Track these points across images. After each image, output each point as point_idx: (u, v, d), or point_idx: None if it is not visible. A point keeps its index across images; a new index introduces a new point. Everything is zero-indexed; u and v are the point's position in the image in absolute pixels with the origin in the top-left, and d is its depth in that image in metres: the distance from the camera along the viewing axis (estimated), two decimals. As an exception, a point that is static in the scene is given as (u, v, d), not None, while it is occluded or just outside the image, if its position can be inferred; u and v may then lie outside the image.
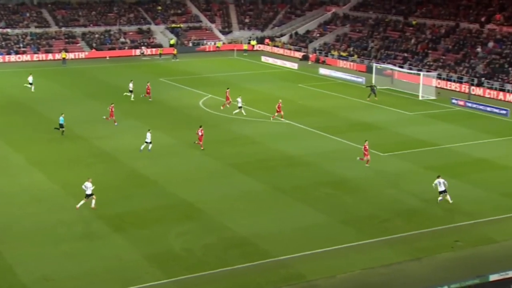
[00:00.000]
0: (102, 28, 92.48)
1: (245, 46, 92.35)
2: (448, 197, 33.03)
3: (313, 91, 63.16)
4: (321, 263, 26.81)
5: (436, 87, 63.74)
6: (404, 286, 25.40)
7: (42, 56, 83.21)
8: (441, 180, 33.21)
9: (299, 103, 57.39)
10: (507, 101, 59.42)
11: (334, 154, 42.01)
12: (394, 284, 25.59)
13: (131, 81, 59.13)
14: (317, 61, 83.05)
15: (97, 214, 31.41)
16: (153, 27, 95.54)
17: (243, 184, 36.13)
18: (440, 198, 33.20)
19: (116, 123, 48.53)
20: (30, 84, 62.41)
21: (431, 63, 71.64)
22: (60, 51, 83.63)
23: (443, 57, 72.16)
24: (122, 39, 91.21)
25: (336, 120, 51.43)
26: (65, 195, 34.03)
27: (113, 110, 48.93)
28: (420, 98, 60.36)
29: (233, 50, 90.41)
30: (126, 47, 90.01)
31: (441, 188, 33.08)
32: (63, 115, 46.11)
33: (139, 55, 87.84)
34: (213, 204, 33.06)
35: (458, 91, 64.11)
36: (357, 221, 31.01)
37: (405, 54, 76.12)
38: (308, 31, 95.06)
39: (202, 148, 42.15)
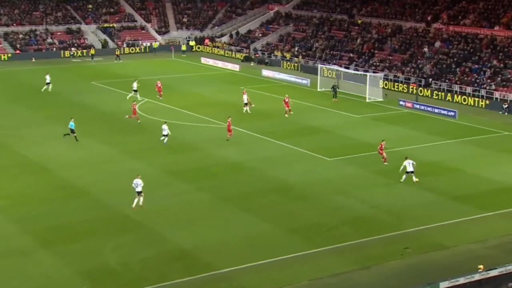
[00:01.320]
0: (26, 28, 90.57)
1: (184, 47, 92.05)
2: (413, 177, 37.10)
3: (256, 94, 63.42)
4: (266, 275, 26.91)
5: (383, 88, 64.97)
6: (354, 296, 25.76)
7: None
8: (410, 161, 37.44)
9: (250, 108, 57.57)
10: (455, 102, 61.05)
11: (279, 159, 42.27)
12: (343, 294, 25.92)
13: (135, 80, 60.20)
14: (259, 62, 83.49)
15: (23, 229, 30.70)
16: (83, 26, 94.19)
17: (183, 193, 35.95)
18: (404, 177, 37.25)
19: (139, 121, 50.07)
20: (48, 83, 62.68)
21: (378, 63, 73.04)
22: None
23: (390, 58, 73.68)
24: (49, 40, 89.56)
25: (280, 124, 51.75)
26: (-12, 209, 33.17)
27: (136, 108, 50.77)
28: (367, 100, 61.40)
29: (170, 51, 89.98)
30: (54, 48, 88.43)
31: (410, 169, 37.19)
32: (72, 119, 45.23)
33: (69, 57, 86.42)
34: (151, 215, 32.76)
35: (406, 93, 65.53)
36: (304, 230, 31.26)
37: (351, 55, 77.37)
38: (249, 31, 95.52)
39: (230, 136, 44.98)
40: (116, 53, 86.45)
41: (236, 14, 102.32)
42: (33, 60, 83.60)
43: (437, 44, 71.71)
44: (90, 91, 64.03)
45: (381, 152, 41.48)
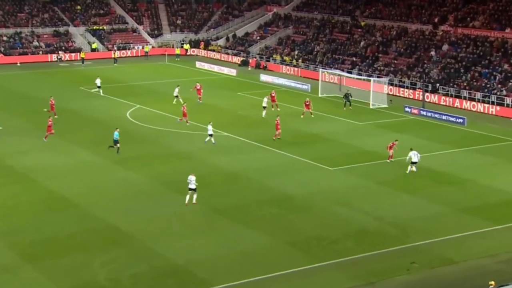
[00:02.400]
0: (11, 30, 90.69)
1: (177, 51, 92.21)
2: (414, 167, 40.41)
3: (254, 100, 63.48)
4: (265, 291, 26.89)
5: (388, 94, 65.10)
6: (357, 313, 25.73)
7: None
8: (415, 152, 40.94)
9: (238, 113, 57.66)
10: (464, 109, 61.18)
11: (278, 169, 42.28)
12: (345, 311, 25.90)
13: (177, 86, 61.05)
14: (257, 66, 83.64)
15: (6, 244, 30.60)
16: (71, 29, 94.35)
17: (176, 204, 35.92)
18: (410, 168, 40.63)
19: (188, 123, 51.54)
20: (98, 87, 63.69)
21: (382, 68, 73.21)
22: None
23: (395, 62, 73.85)
24: (35, 43, 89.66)
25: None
26: (-30, 221, 33.13)
27: (185, 110, 51.88)
28: (371, 106, 61.49)
29: (163, 54, 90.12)
30: (41, 52, 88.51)
31: (415, 159, 40.56)
32: (118, 130, 44.91)
33: (56, 61, 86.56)
34: (142, 227, 32.73)
35: (412, 98, 65.63)
36: (304, 243, 31.24)
37: (354, 58, 77.53)
38: (247, 34, 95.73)
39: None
40: (113, 56, 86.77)
41: (232, 16, 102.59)
42: (18, 65, 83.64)
43: (445, 47, 71.90)
44: (79, 97, 64.05)
45: (389, 149, 43.17)
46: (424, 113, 58.32)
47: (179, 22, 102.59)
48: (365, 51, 78.23)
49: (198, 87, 61.67)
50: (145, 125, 52.93)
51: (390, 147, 43.47)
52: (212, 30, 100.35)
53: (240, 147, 47.06)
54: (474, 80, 64.56)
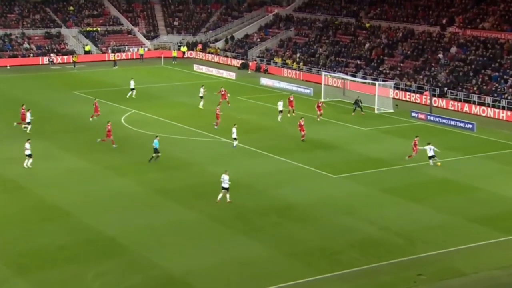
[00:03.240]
0: (0, 32, 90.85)
1: (174, 53, 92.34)
2: (435, 161, 43.71)
3: (254, 104, 63.51)
4: (265, 304, 26.86)
5: (394, 98, 65.12)
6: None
7: None
8: (431, 147, 43.54)
9: (238, 118, 57.60)
10: (473, 114, 61.19)
11: (279, 176, 42.27)
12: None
13: (201, 85, 61.29)
14: (257, 69, 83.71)
15: (-3, 254, 30.58)
16: (64, 30, 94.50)
17: (173, 214, 35.90)
18: (430, 162, 43.67)
19: (215, 127, 52.44)
20: (132, 89, 64.51)
21: (387, 71, 73.25)
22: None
23: (401, 65, 73.90)
24: (26, 45, 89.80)
25: (280, 137, 51.79)
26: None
27: (219, 114, 52.96)
28: (376, 111, 61.50)
29: (160, 57, 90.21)
30: (31, 54, 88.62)
31: (430, 153, 43.17)
32: (157, 138, 44.73)
33: (48, 64, 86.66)
34: (137, 237, 32.70)
35: (418, 103, 65.64)
36: (306, 254, 31.19)
37: (358, 61, 77.60)
38: (247, 35, 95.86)
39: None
40: (113, 58, 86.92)
41: (232, 17, 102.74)
42: (8, 68, 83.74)
43: (453, 49, 71.96)
44: (72, 102, 64.08)
45: (414, 148, 45.15)
46: (432, 118, 58.32)
47: (176, 23, 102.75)
48: (370, 53, 78.31)
49: (223, 92, 61.65)
50: (140, 130, 52.93)
51: (415, 145, 45.20)
52: (210, 31, 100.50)
53: (240, 154, 47.03)
54: (484, 84, 64.58)
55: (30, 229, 33.68)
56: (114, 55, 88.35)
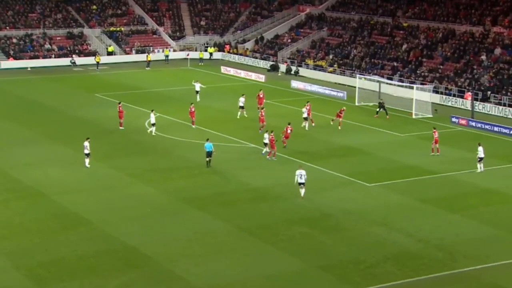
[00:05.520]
0: (21, 32, 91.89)
1: (201, 54, 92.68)
2: (481, 165, 44.41)
3: (284, 109, 63.44)
4: (295, 320, 26.75)
5: (433, 103, 64.66)
6: None
7: None
8: (482, 148, 44.49)
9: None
10: (518, 120, 60.59)
11: (310, 185, 42.00)
12: None
13: (242, 95, 60.26)
14: (288, 72, 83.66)
15: (14, 264, 30.81)
16: (86, 30, 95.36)
17: (198, 223, 35.92)
18: (479, 166, 44.37)
19: (260, 131, 52.80)
20: (197, 92, 65.70)
21: (426, 74, 72.79)
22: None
23: (441, 67, 73.40)
24: (47, 46, 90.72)
25: (312, 143, 51.67)
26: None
27: (263, 117, 53.79)
28: (414, 116, 61.12)
29: (186, 59, 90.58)
30: (53, 55, 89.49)
31: (481, 155, 44.13)
32: (209, 140, 45.67)
33: (70, 65, 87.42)
34: (161, 248, 32.76)
35: (459, 108, 65.12)
36: (339, 267, 31.03)
37: (395, 63, 77.23)
38: (277, 36, 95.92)
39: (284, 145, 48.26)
40: (147, 59, 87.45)
41: (261, 17, 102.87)
42: (29, 69, 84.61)
43: (497, 51, 71.31)
44: (93, 105, 64.56)
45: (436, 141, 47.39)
46: (473, 124, 57.83)
47: (203, 23, 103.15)
48: (408, 55, 77.89)
49: (261, 96, 61.73)
50: (164, 135, 53.11)
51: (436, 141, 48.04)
52: (239, 32, 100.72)
53: (269, 161, 46.94)
54: (530, 88, 63.93)
55: (50, 238, 33.90)
56: (147, 55, 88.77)
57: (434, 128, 49.19)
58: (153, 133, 52.45)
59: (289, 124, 49.17)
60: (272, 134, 46.84)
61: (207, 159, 44.90)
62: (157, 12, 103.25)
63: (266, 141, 47.30)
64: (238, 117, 58.91)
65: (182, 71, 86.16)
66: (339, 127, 55.48)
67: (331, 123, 56.18)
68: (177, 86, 74.67)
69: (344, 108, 57.18)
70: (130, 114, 59.19)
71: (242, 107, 59.42)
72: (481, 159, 44.23)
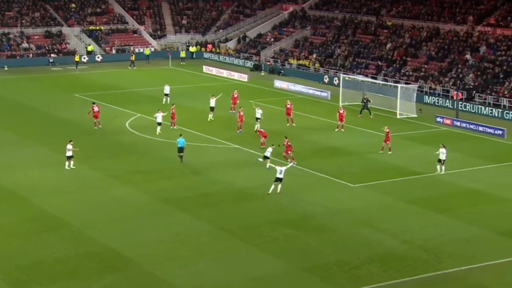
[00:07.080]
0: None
1: (183, 54, 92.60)
2: (442, 167, 44.03)
3: (267, 109, 63.51)
4: (279, 322, 26.85)
5: (417, 102, 64.94)
6: None
7: None
8: (444, 150, 43.88)
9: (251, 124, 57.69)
10: (504, 119, 60.93)
11: (294, 185, 42.21)
12: None
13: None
14: (271, 71, 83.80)
15: (-7, 267, 30.74)
16: (65, 29, 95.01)
17: (181, 225, 35.94)
18: (437, 167, 44.11)
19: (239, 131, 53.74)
20: (166, 95, 64.98)
21: (411, 73, 73.14)
22: None
23: (425, 66, 73.77)
24: (25, 45, 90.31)
25: (296, 144, 51.72)
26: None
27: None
28: (398, 116, 61.40)
29: (167, 58, 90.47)
30: (31, 55, 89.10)
31: (442, 157, 43.89)
32: (181, 136, 46.19)
33: (48, 65, 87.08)
34: (143, 250, 32.74)
35: (444, 107, 65.44)
36: (323, 269, 31.13)
37: (379, 62, 77.54)
38: (260, 35, 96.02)
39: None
40: (131, 58, 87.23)
41: (244, 15, 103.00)
42: (6, 69, 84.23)
43: (482, 49, 71.76)
44: (73, 105, 64.36)
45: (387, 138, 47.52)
46: (458, 123, 58.12)
47: (184, 22, 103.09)
48: (392, 54, 78.22)
49: (236, 95, 61.58)
50: (146, 136, 53.06)
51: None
52: (221, 31, 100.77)
53: (252, 161, 47.02)
54: (515, 87, 64.41)
55: (28, 240, 33.77)
56: (131, 55, 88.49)
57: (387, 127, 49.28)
58: (157, 132, 52.84)
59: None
60: (286, 140, 46.20)
61: (179, 154, 45.43)
62: (138, 10, 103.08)
63: (268, 154, 44.87)
64: (208, 119, 58.34)
65: (163, 70, 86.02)
66: (342, 130, 55.56)
67: (336, 130, 55.63)
68: (158, 86, 74.45)
69: (343, 108, 57.45)
70: (109, 115, 59.12)
71: (212, 109, 58.97)
72: (441, 160, 44.19)
